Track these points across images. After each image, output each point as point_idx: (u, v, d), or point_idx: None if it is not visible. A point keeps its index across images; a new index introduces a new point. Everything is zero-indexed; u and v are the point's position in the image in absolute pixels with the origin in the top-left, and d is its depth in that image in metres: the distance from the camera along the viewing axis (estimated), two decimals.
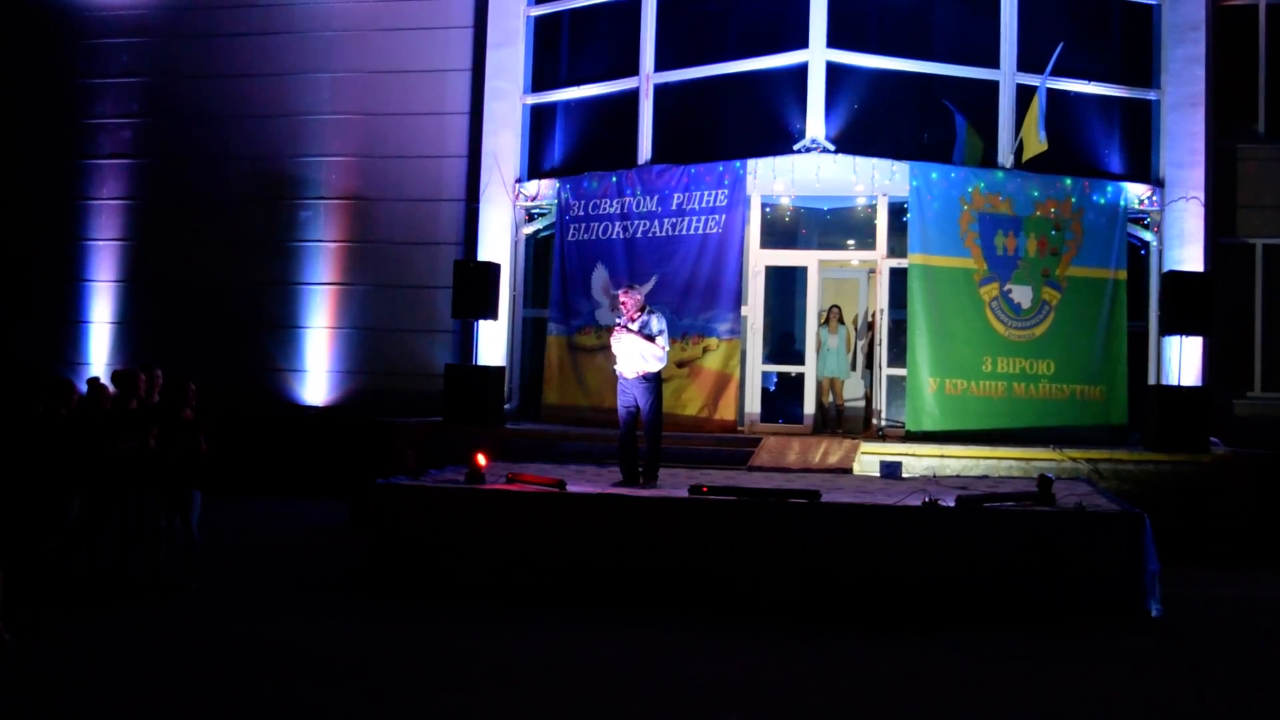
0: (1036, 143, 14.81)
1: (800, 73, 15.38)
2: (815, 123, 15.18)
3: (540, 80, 17.48)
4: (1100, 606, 9.60)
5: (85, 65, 19.39)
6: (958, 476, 13.03)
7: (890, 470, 12.76)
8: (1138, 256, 15.92)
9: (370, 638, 8.76)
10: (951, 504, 9.93)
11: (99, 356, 18.88)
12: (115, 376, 10.67)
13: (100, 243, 19.17)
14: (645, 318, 11.15)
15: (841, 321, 15.92)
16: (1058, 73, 15.19)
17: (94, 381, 10.50)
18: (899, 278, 15.46)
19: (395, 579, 10.30)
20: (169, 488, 9.94)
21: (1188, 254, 15.49)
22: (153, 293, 18.90)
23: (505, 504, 10.33)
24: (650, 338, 11.03)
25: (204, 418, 10.11)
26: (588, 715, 7.02)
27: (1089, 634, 9.16)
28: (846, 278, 17.87)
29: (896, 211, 15.70)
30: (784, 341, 16.82)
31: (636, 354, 11.07)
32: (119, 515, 10.22)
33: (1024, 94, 15.53)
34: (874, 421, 15.64)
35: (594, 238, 16.19)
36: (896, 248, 15.65)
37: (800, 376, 16.15)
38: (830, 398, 15.87)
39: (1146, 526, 9.75)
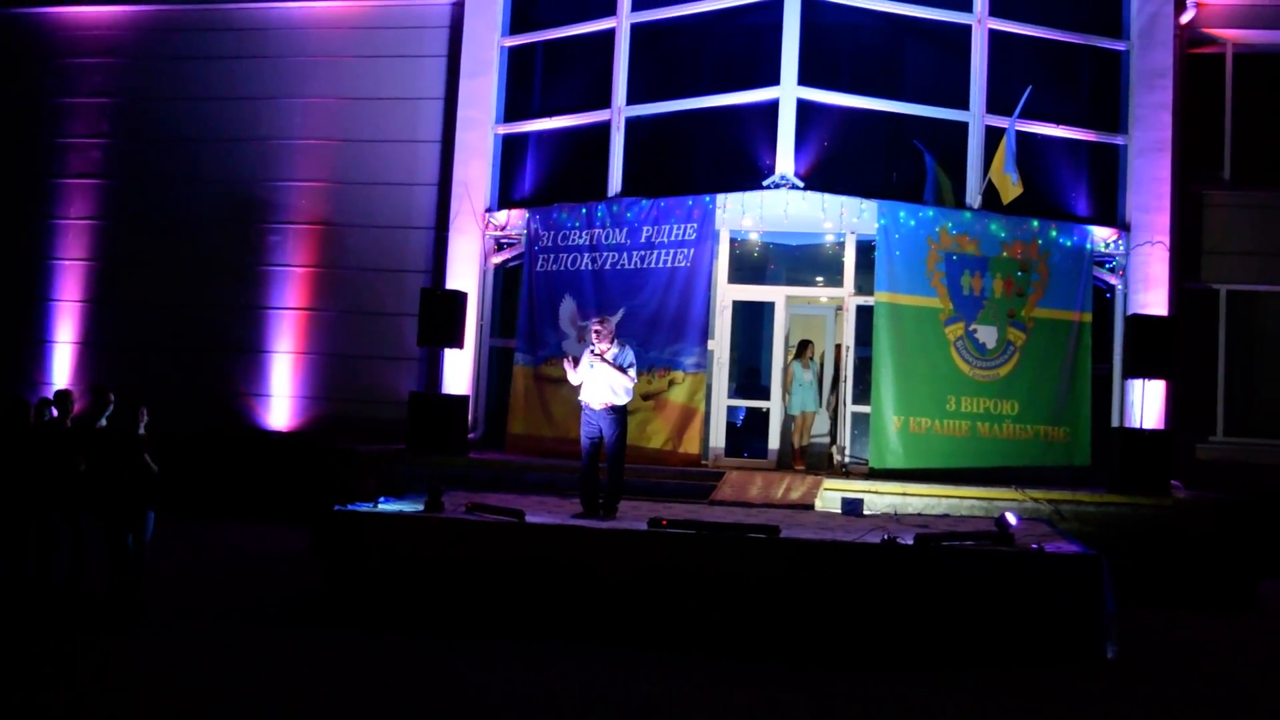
0: (1009, 185, 14.86)
1: (771, 109, 15.45)
2: (785, 159, 15.22)
3: (513, 110, 17.50)
4: (1056, 647, 9.61)
5: (56, 85, 19.31)
6: (919, 515, 13.03)
7: (852, 507, 12.76)
8: (1103, 299, 16.01)
9: (322, 667, 8.67)
10: (910, 542, 9.92)
11: (62, 377, 18.71)
12: (56, 396, 10.61)
13: (66, 262, 19.04)
14: (617, 349, 11.18)
15: (812, 357, 15.92)
16: (1027, 115, 15.29)
17: (45, 400, 10.44)
18: (865, 315, 15.50)
19: (352, 607, 10.22)
20: (123, 508, 9.82)
21: (1152, 298, 15.58)
22: (119, 314, 18.76)
23: (463, 533, 10.28)
24: (622, 369, 11.05)
25: (150, 438, 10.00)
26: None
27: (1044, 674, 9.16)
28: (814, 314, 17.91)
29: (864, 249, 15.76)
30: (750, 376, 16.82)
31: (606, 386, 11.09)
32: (69, 536, 10.13)
33: (993, 135, 15.63)
34: (838, 458, 15.64)
35: (563, 269, 16.18)
36: (864, 285, 15.70)
37: (766, 411, 16.15)
38: (802, 434, 15.82)
39: (1104, 568, 9.77)
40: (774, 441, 15.96)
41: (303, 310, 18.13)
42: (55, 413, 10.58)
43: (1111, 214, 16.14)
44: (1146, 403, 14.90)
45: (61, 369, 18.85)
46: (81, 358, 18.86)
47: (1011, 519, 10.34)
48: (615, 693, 8.28)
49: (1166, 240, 15.72)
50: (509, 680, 8.48)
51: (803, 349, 15.86)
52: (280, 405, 18.07)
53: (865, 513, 12.74)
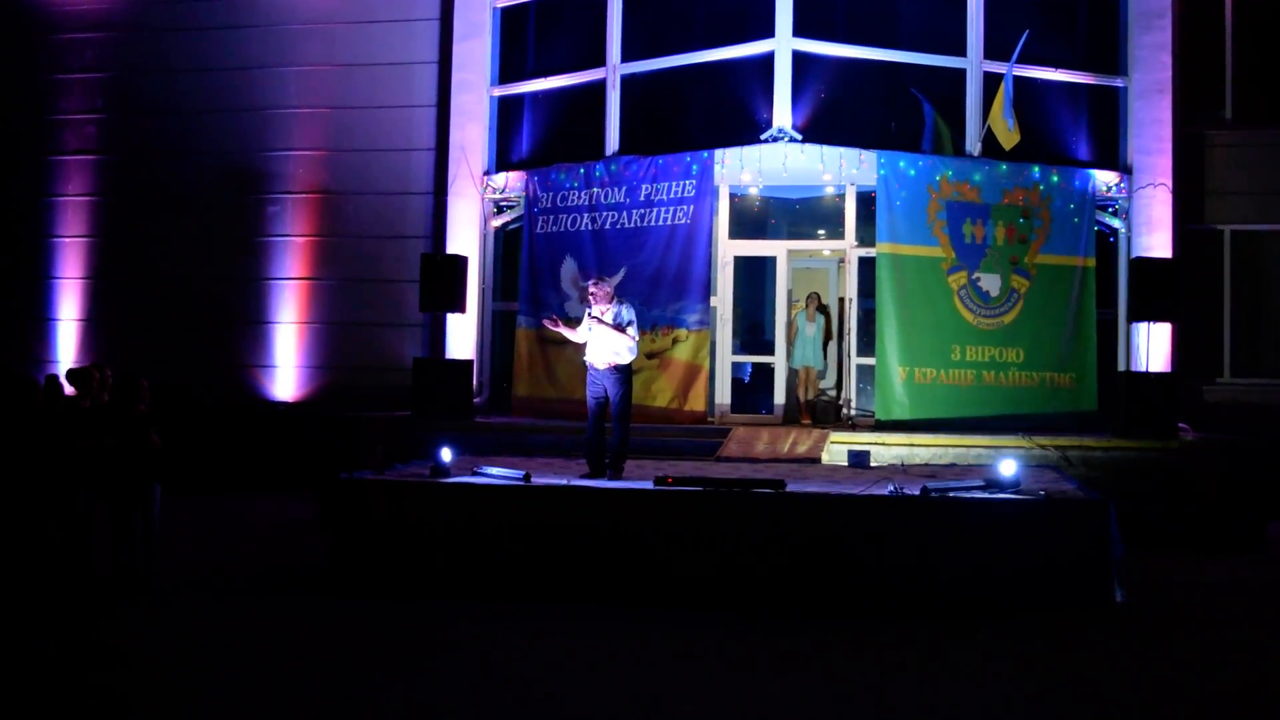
0: (1007, 132, 14.78)
1: (767, 62, 15.34)
2: (782, 112, 15.13)
3: (507, 72, 17.40)
4: (1066, 593, 9.58)
5: (49, 61, 19.23)
6: (926, 465, 13.02)
7: (858, 460, 12.75)
8: (1106, 244, 15.93)
9: (331, 635, 8.69)
10: (917, 493, 9.91)
11: (66, 355, 18.73)
12: (70, 375, 10.55)
13: (67, 240, 19.03)
14: (616, 308, 11.12)
15: (820, 310, 15.88)
16: (1025, 60, 15.17)
17: (52, 379, 10.38)
18: (868, 267, 15.44)
19: (359, 575, 10.20)
20: (129, 485, 9.81)
21: (1156, 241, 15.49)
22: (120, 290, 18.75)
23: (469, 497, 10.26)
24: (621, 328, 11.00)
25: (155, 412, 9.97)
26: (552, 711, 6.97)
27: (1055, 621, 9.15)
28: (816, 267, 17.85)
29: (865, 201, 15.68)
30: (754, 332, 16.80)
31: (608, 346, 11.04)
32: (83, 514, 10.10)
33: (991, 82, 15.50)
34: (844, 411, 15.62)
35: (562, 230, 16.13)
36: (865, 237, 15.63)
37: (771, 366, 16.13)
38: (806, 388, 15.80)
39: (1111, 513, 9.73)
40: (780, 396, 15.95)
41: (304, 280, 18.10)
42: (74, 391, 10.52)
43: (1112, 157, 16.03)
44: (1152, 346, 14.85)
45: (66, 346, 18.87)
46: (85, 334, 18.87)
47: (1012, 468, 10.28)
48: (625, 651, 8.30)
49: (1169, 182, 15.62)
50: (518, 646, 8.49)
51: (807, 302, 15.81)
52: (285, 376, 18.07)
53: (872, 465, 12.74)
